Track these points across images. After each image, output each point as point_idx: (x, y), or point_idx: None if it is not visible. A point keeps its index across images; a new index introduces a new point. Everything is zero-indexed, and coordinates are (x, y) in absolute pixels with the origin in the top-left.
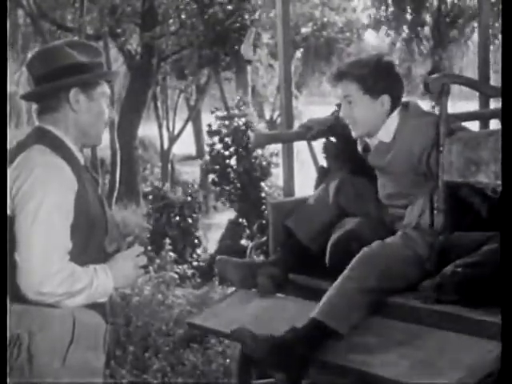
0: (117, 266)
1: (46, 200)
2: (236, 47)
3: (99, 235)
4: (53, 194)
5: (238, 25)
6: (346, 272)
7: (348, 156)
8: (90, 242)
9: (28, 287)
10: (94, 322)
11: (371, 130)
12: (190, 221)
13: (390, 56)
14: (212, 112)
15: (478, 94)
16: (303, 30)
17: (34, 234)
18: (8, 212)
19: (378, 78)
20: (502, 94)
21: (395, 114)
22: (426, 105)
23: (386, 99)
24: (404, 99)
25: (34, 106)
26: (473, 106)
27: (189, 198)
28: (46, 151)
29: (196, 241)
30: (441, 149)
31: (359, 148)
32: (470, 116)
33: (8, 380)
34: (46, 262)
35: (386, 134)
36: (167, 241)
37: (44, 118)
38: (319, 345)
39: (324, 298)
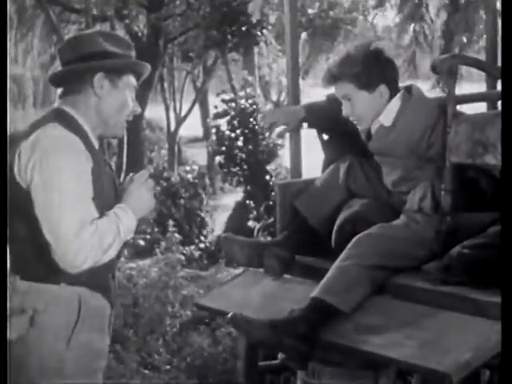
0: (132, 199)
1: (67, 173)
2: (243, 28)
3: None
4: (71, 167)
5: (244, 6)
6: (345, 251)
7: (353, 138)
8: None
9: (66, 264)
10: (100, 304)
11: (375, 119)
12: (195, 202)
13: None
14: (218, 94)
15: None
16: (310, 12)
17: (62, 209)
18: (23, 186)
19: (370, 71)
20: (502, 78)
21: (397, 98)
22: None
23: (383, 89)
24: (411, 82)
25: (59, 90)
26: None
27: (189, 177)
28: (61, 129)
29: (202, 222)
30: (448, 130)
31: (362, 136)
32: (477, 97)
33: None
34: (75, 235)
35: (387, 117)
36: (172, 222)
37: (66, 99)
38: (321, 324)
39: (325, 278)
